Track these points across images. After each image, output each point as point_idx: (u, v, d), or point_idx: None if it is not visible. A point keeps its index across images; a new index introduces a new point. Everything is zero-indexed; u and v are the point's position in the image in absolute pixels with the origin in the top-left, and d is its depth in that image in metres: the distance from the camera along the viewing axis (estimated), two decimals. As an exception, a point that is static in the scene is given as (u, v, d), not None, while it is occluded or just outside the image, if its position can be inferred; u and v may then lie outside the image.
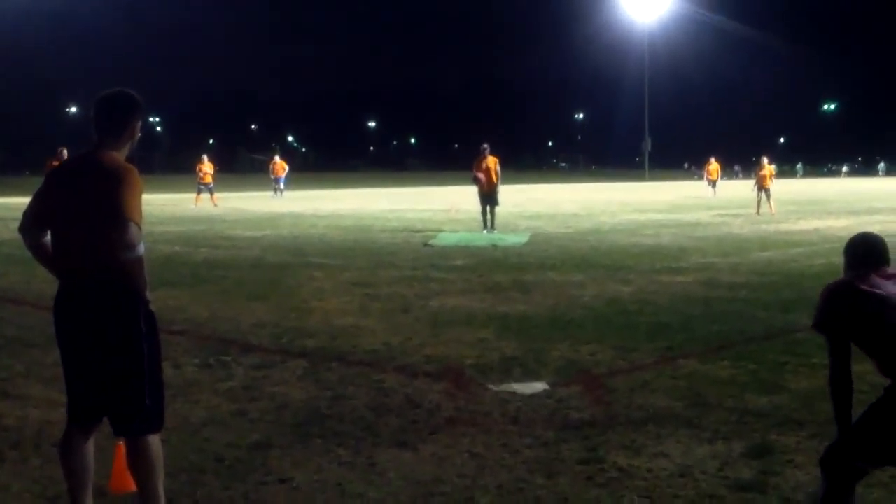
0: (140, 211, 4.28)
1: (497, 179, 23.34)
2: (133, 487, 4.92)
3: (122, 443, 4.95)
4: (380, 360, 8.40)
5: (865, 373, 4.57)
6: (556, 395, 7.14)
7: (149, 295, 4.34)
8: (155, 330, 4.40)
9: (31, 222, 4.49)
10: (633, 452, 5.74)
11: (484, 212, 23.19)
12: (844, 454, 3.96)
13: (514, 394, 7.17)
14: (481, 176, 23.16)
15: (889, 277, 4.20)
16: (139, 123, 4.54)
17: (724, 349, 8.76)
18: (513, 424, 6.37)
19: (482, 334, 9.51)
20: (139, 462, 4.42)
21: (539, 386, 7.41)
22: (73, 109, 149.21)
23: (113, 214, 4.16)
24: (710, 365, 8.10)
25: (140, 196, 4.31)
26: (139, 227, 4.23)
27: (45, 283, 13.92)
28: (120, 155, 4.43)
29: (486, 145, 23.70)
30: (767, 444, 5.84)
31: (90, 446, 4.51)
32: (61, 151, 29.85)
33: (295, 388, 7.37)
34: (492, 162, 23.34)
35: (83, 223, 4.27)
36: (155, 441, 4.43)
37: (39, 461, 5.55)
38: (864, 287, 4.13)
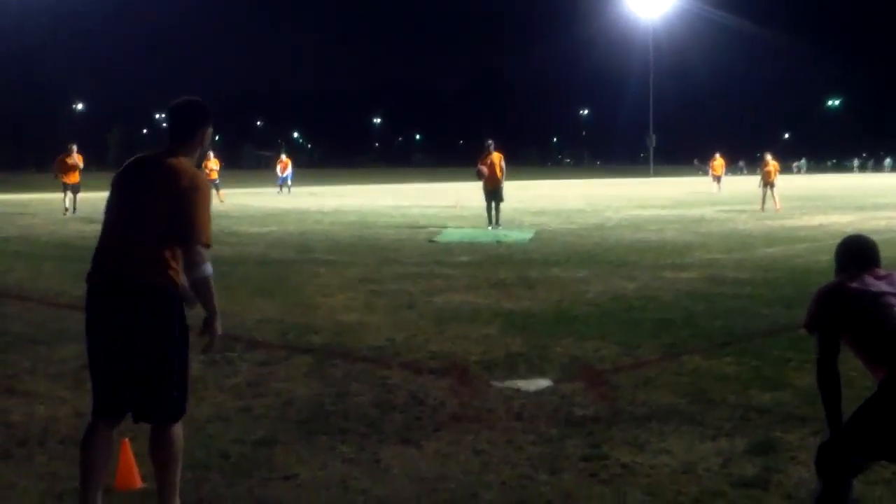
0: (209, 229, 4.41)
1: (502, 175, 23.38)
2: (138, 484, 4.97)
3: (127, 440, 4.99)
4: (384, 357, 8.42)
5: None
6: (561, 391, 7.15)
7: (218, 323, 4.46)
8: (186, 325, 4.45)
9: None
10: (637, 449, 5.76)
11: (489, 208, 23.21)
12: (840, 449, 3.98)
13: (518, 390, 7.19)
14: (485, 169, 23.16)
15: (881, 278, 4.23)
16: (209, 131, 4.68)
17: (727, 345, 8.76)
18: (517, 421, 6.39)
19: (487, 331, 9.53)
20: (162, 451, 4.47)
21: (543, 382, 7.42)
22: (79, 106, 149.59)
23: (181, 232, 4.30)
24: (714, 361, 8.11)
25: (209, 210, 4.43)
26: (207, 247, 4.36)
27: (51, 279, 13.98)
28: (190, 161, 4.54)
29: (490, 141, 23.74)
30: (771, 441, 5.85)
31: (112, 440, 4.54)
32: (71, 148, 30.18)
33: (300, 385, 7.39)
34: (496, 158, 23.36)
35: (145, 226, 4.35)
36: (178, 430, 4.49)
37: (45, 458, 5.57)
38: (854, 286, 4.17)
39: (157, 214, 4.31)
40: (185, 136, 4.56)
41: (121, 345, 4.32)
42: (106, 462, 4.52)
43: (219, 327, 4.47)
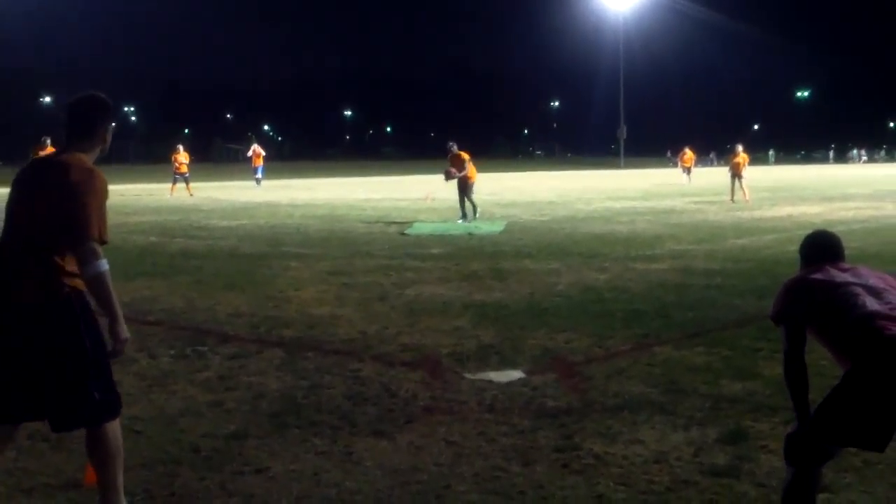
0: (104, 224, 4.22)
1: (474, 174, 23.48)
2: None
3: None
4: (356, 350, 8.40)
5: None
6: (532, 383, 7.17)
7: (121, 327, 4.24)
8: (94, 321, 4.29)
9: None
10: (609, 439, 5.78)
11: (463, 202, 23.12)
12: (809, 437, 4.01)
13: (490, 382, 7.19)
14: (454, 171, 23.21)
15: (845, 270, 4.27)
16: (110, 127, 4.54)
17: (698, 336, 8.81)
18: (489, 413, 6.39)
19: (458, 323, 9.53)
20: (97, 450, 4.38)
21: (515, 374, 7.43)
22: (48, 99, 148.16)
23: (70, 226, 4.11)
24: (685, 352, 8.15)
25: (103, 205, 4.25)
26: (102, 243, 4.18)
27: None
28: (88, 158, 4.37)
29: (451, 143, 23.77)
30: (742, 430, 5.89)
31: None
32: (45, 140, 29.37)
33: (271, 378, 7.36)
34: (466, 156, 23.29)
35: (37, 230, 4.20)
36: (112, 430, 4.38)
37: (14, 453, 5.51)
38: (819, 278, 4.21)
39: (49, 215, 4.15)
40: (83, 133, 4.42)
41: (22, 362, 4.17)
42: None
43: (122, 331, 4.25)
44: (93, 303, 4.30)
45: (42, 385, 4.19)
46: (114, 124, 4.56)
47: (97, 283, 4.15)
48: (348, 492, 4.97)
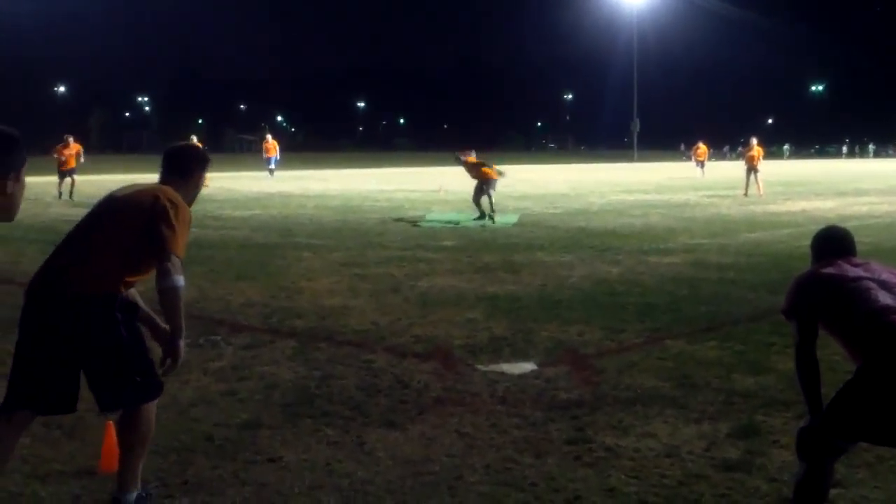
0: (184, 242, 4.49)
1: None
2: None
3: (112, 422, 4.97)
4: (369, 341, 8.42)
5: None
6: (545, 375, 7.17)
7: (181, 343, 4.41)
8: (133, 324, 4.42)
9: None
10: (621, 432, 5.78)
11: (479, 202, 21.37)
12: (821, 432, 4.01)
13: (502, 374, 7.20)
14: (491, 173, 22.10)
15: (857, 265, 4.27)
16: (204, 176, 4.86)
17: (711, 330, 8.80)
18: (501, 404, 6.40)
19: (471, 314, 9.53)
20: (129, 433, 4.46)
21: (527, 366, 7.44)
22: (62, 88, 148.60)
23: (158, 241, 4.35)
24: (698, 346, 8.14)
25: (187, 231, 4.55)
26: (179, 258, 4.39)
27: (34, 263, 13.86)
28: (180, 195, 4.59)
29: (457, 154, 22.86)
30: (754, 425, 5.88)
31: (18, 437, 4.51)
32: (67, 139, 29.94)
33: (284, 368, 7.38)
34: (474, 160, 22.15)
35: (106, 236, 4.41)
36: (148, 413, 4.48)
37: (29, 440, 5.54)
38: (831, 272, 4.21)
39: (126, 226, 4.38)
40: (180, 177, 4.68)
41: (63, 353, 4.28)
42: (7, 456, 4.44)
43: (181, 348, 4.40)
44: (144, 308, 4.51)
45: (76, 378, 4.33)
46: (206, 174, 4.86)
47: (171, 295, 4.30)
48: (360, 482, 4.98)
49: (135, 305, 4.49)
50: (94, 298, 4.26)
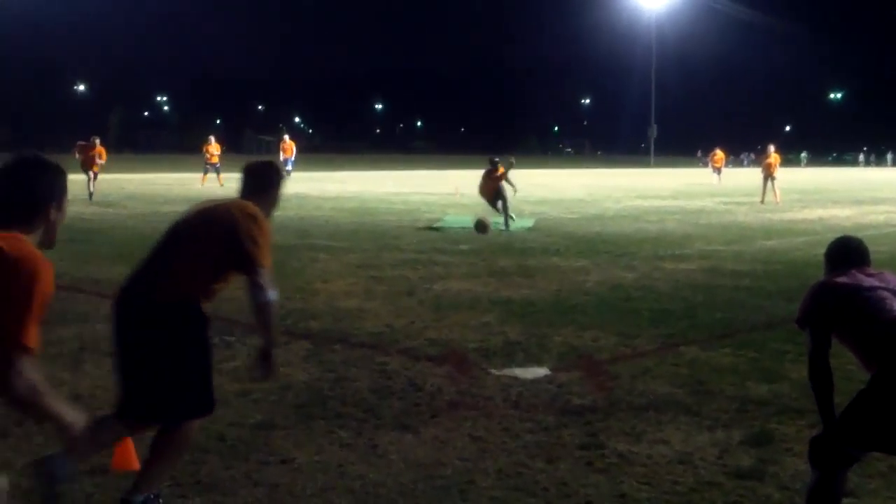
0: (269, 253, 4.59)
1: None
2: (136, 466, 4.96)
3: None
4: (383, 343, 8.43)
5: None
6: (558, 380, 7.17)
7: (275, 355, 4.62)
8: (205, 336, 4.57)
9: None
10: (634, 438, 5.78)
11: (498, 208, 21.03)
12: (834, 441, 4.00)
13: (515, 378, 7.20)
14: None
15: (871, 276, 4.27)
16: (280, 192, 4.94)
17: (726, 337, 8.78)
18: (514, 409, 6.41)
19: (485, 318, 9.54)
20: (166, 441, 4.49)
21: (541, 371, 7.44)
22: (81, 87, 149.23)
23: (247, 257, 4.48)
24: (712, 352, 8.13)
25: (269, 244, 4.62)
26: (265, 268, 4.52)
27: (50, 260, 13.93)
28: (254, 208, 4.66)
29: (496, 160, 22.31)
30: (767, 433, 5.87)
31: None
32: (93, 140, 29.80)
33: (298, 370, 7.40)
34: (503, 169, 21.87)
35: (192, 249, 4.54)
36: (190, 427, 4.53)
37: (42, 438, 5.57)
38: (846, 282, 4.21)
39: (212, 239, 4.50)
40: (260, 192, 4.80)
41: (138, 356, 4.37)
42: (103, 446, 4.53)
43: (273, 357, 4.58)
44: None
45: (150, 378, 4.36)
46: (282, 191, 4.97)
47: (265, 310, 4.46)
48: (372, 484, 5.00)
49: (208, 319, 4.58)
50: (178, 307, 4.37)
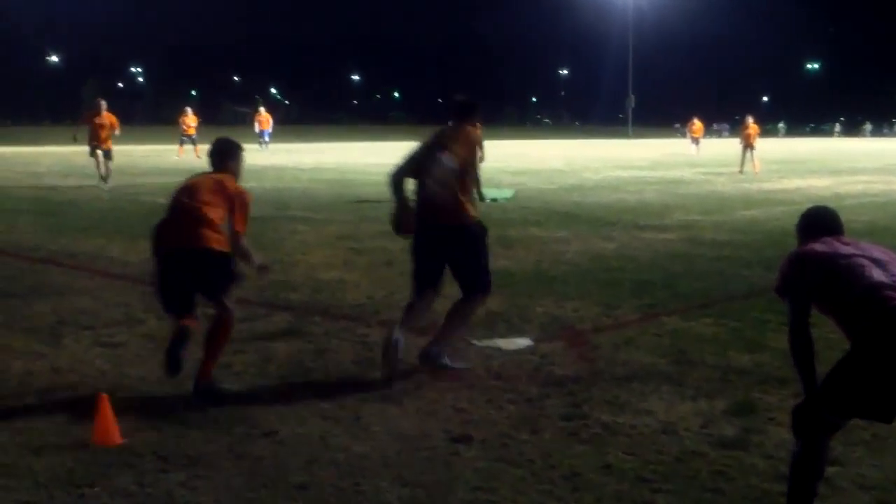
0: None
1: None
2: (118, 441, 4.95)
3: (106, 396, 4.96)
4: (364, 314, 8.40)
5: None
6: (540, 351, 7.16)
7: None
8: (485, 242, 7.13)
9: None
10: (617, 409, 5.77)
11: None
12: (816, 409, 4.00)
13: (498, 349, 7.19)
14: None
15: (847, 244, 4.25)
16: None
17: (707, 307, 8.79)
18: (497, 380, 6.39)
19: (466, 289, 9.48)
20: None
21: (523, 342, 7.42)
22: (55, 58, 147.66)
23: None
24: (694, 322, 8.14)
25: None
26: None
27: (26, 233, 13.84)
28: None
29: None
30: (750, 402, 5.88)
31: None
32: (99, 103, 22.65)
33: (279, 342, 7.36)
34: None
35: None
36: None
37: (23, 412, 5.53)
38: (823, 249, 4.19)
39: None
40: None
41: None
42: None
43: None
44: None
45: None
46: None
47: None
48: (356, 456, 4.97)
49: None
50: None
